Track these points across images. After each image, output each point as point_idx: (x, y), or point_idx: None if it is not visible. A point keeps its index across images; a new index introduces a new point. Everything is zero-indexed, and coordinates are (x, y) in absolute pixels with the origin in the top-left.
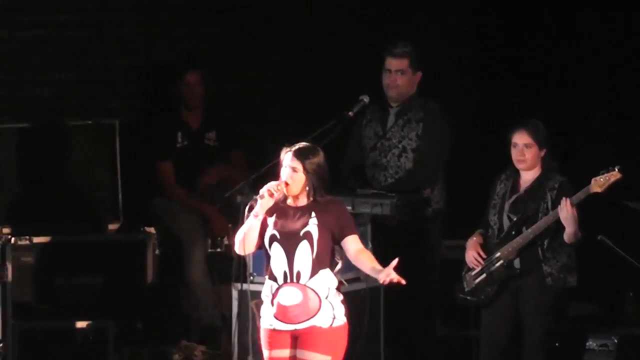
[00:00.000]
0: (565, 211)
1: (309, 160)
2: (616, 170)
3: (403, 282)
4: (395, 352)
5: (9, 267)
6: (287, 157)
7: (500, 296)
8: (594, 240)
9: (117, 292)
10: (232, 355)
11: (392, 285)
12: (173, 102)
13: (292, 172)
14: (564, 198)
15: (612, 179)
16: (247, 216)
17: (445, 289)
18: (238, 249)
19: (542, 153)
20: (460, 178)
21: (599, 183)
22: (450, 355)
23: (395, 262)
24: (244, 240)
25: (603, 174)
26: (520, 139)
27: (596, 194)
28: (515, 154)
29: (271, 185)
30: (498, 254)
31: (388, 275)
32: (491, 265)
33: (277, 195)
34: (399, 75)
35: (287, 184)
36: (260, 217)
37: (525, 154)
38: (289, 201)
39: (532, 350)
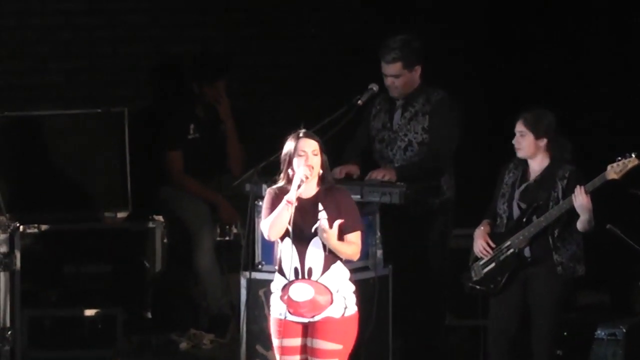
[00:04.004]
0: (580, 199)
1: (318, 140)
2: (633, 156)
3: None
4: (404, 341)
5: (18, 255)
6: (302, 143)
7: (509, 285)
8: (602, 229)
9: (126, 280)
10: (240, 343)
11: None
12: (187, 94)
13: (313, 156)
14: (578, 186)
15: (630, 165)
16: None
17: (454, 278)
18: (268, 236)
19: (542, 142)
20: (470, 166)
21: (615, 170)
22: (458, 344)
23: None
24: (275, 227)
25: (620, 160)
26: (517, 127)
27: (613, 180)
28: (514, 142)
29: (305, 170)
30: (508, 243)
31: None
32: (501, 254)
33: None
34: (395, 79)
35: (312, 168)
36: (294, 204)
37: (521, 142)
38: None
39: (541, 339)
